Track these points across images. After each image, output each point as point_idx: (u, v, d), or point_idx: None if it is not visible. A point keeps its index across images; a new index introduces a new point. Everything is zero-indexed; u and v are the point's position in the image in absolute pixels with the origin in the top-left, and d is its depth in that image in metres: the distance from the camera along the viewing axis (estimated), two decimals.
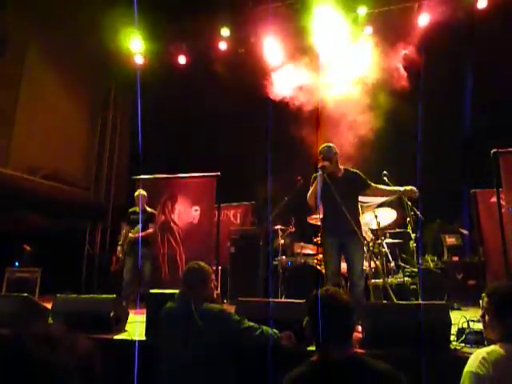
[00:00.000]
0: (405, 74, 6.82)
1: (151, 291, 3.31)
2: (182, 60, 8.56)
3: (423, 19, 7.13)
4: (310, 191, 3.95)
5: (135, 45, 8.53)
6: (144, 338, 3.05)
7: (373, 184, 4.03)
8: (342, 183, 3.90)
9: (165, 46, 8.63)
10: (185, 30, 8.32)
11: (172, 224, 6.55)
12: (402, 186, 4.27)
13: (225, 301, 6.03)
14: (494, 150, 5.26)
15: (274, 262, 5.68)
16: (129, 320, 3.63)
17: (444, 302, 2.72)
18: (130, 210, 6.02)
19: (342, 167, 4.07)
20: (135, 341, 3.03)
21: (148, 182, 6.80)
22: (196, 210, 6.54)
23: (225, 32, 8.01)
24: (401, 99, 6.65)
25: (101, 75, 9.13)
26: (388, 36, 7.05)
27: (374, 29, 7.23)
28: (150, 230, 5.87)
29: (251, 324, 2.44)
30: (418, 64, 6.86)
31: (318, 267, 4.86)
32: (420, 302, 3.67)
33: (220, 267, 6.45)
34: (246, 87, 7.69)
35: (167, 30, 8.43)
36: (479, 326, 2.85)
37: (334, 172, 3.97)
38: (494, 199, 5.46)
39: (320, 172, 3.85)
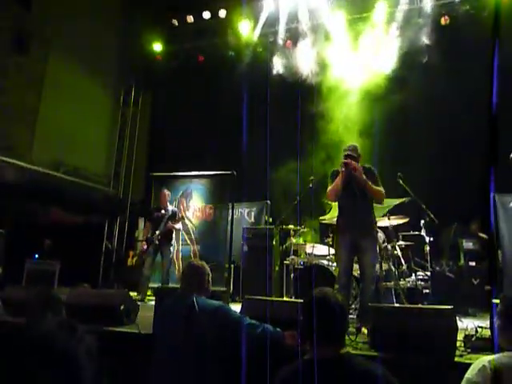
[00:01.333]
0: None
1: (161, 286, 3.38)
2: (199, 58, 8.66)
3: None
4: (330, 186, 3.93)
5: (156, 45, 8.69)
6: (151, 332, 3.11)
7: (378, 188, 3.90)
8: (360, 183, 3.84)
9: (183, 45, 8.75)
10: (203, 28, 8.41)
11: (187, 221, 6.64)
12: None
13: (236, 298, 6.07)
14: None
15: (286, 262, 5.68)
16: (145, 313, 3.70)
17: (451, 306, 2.66)
18: (153, 207, 6.15)
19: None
20: (142, 333, 3.10)
21: (164, 178, 6.94)
22: (210, 208, 6.62)
23: (245, 28, 8.03)
24: (420, 97, 6.60)
25: (121, 73, 9.31)
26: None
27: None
28: (175, 226, 5.97)
29: (252, 321, 2.46)
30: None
31: (329, 268, 4.85)
32: (425, 306, 3.62)
33: (233, 265, 6.50)
34: (263, 85, 7.71)
35: (186, 29, 8.53)
36: (488, 333, 2.80)
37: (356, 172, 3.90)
38: None
39: (343, 169, 3.81)
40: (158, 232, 5.80)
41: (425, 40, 6.90)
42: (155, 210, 6.13)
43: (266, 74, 7.77)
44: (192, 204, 6.77)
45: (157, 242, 5.80)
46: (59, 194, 7.76)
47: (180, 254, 6.53)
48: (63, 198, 7.83)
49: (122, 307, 3.36)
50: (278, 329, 2.65)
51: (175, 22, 8.33)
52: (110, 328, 3.25)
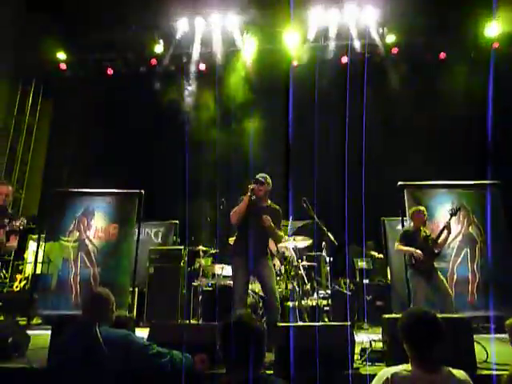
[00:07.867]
0: None
1: (56, 313, 3.09)
2: (109, 71, 8.34)
3: None
4: (234, 209, 4.03)
5: (60, 54, 8.15)
6: (46, 366, 2.81)
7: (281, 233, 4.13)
8: (265, 212, 4.03)
9: (93, 57, 8.36)
10: (116, 42, 8.14)
11: (87, 241, 6.17)
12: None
13: (141, 323, 5.78)
14: (400, 182, 5.83)
15: (194, 284, 5.60)
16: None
17: (348, 323, 2.90)
18: None
19: (269, 200, 4.22)
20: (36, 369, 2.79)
21: (64, 195, 6.40)
22: (115, 228, 6.25)
23: (158, 48, 7.98)
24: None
25: (18, 79, 8.49)
26: None
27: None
28: (13, 244, 4.22)
29: (160, 350, 2.39)
30: None
31: None
32: (325, 323, 3.87)
33: (137, 288, 6.20)
34: (172, 104, 7.74)
35: (97, 41, 8.18)
36: (380, 345, 3.09)
37: (261, 200, 4.12)
38: (399, 227, 6.00)
39: (249, 193, 3.97)
40: None
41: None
42: None
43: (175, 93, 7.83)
44: (94, 223, 6.32)
45: None
46: None
47: (78, 278, 6.00)
48: None
49: (9, 340, 2.99)
50: (188, 354, 2.60)
51: (88, 32, 7.91)
52: None
